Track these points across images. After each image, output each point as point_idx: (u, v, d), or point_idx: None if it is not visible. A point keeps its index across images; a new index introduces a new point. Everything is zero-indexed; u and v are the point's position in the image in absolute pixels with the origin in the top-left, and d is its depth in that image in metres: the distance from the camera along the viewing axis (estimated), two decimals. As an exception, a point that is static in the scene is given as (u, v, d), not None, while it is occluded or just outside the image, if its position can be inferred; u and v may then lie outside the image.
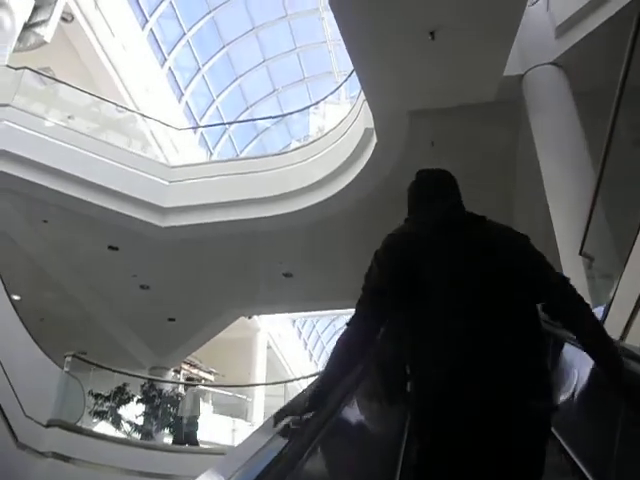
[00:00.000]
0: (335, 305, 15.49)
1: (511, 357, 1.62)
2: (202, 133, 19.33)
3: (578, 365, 3.24)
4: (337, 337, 1.90)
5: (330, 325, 27.16)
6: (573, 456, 3.25)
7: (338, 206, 10.14)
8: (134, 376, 11.69)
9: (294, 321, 24.75)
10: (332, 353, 1.83)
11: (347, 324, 1.85)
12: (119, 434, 10.92)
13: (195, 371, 23.11)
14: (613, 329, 3.55)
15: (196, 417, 11.14)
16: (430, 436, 1.64)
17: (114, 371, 11.12)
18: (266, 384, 18.41)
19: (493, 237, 1.84)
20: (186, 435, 10.85)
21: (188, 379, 14.04)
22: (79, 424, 9.41)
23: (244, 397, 21.06)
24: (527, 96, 7.63)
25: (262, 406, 21.40)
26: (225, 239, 11.18)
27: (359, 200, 9.93)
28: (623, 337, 3.66)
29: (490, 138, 8.50)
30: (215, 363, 22.18)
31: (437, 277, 1.72)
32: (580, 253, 5.67)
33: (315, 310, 20.50)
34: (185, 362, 21.49)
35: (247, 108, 20.65)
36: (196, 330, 14.22)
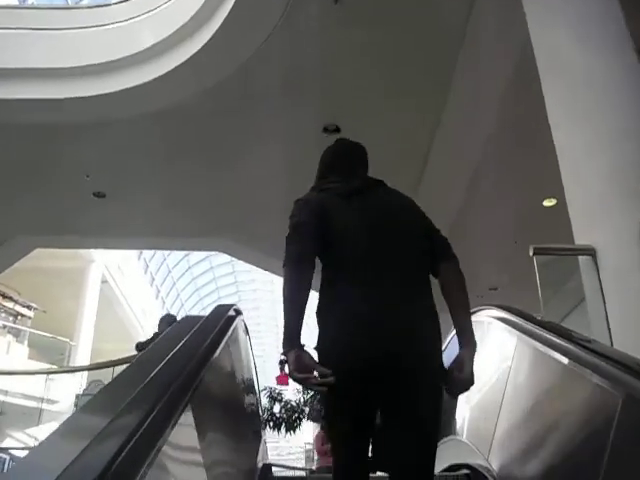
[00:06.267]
0: (167, 244, 11.79)
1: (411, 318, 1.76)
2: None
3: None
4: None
5: (183, 260, 23.37)
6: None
7: (173, 94, 6.39)
8: None
9: (140, 253, 20.84)
10: (286, 302, 1.76)
11: (284, 266, 1.80)
12: None
13: (10, 305, 19.70)
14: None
15: None
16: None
17: None
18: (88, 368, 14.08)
19: (396, 201, 2.01)
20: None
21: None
22: None
23: (67, 340, 17.92)
24: None
25: (89, 351, 18.17)
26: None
27: (205, 90, 6.27)
28: None
29: (430, 10, 5.24)
30: (38, 296, 18.44)
31: (349, 231, 1.85)
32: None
33: (139, 249, 16.75)
34: (-4, 293, 18.46)
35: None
36: (-27, 259, 10.05)
